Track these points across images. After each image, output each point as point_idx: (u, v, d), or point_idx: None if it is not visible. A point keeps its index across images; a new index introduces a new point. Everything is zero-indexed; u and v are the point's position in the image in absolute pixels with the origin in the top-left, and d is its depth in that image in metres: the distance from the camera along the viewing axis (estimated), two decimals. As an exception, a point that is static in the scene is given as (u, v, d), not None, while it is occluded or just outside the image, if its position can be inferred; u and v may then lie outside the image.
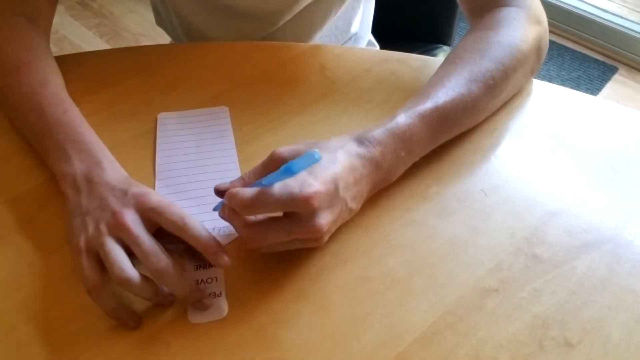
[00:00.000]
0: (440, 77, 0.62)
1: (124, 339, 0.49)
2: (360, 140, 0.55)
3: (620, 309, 0.51)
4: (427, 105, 0.58)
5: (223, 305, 0.51)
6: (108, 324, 0.50)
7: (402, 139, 0.56)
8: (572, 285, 0.52)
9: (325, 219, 0.50)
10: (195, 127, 0.68)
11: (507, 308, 0.51)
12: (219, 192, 0.56)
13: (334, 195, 0.51)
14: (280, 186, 0.49)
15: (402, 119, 0.57)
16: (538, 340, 0.49)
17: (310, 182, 0.49)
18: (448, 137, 0.62)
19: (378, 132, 0.56)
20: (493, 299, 0.51)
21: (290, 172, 0.47)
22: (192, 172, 0.62)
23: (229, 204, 0.51)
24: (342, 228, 0.56)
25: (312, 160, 0.46)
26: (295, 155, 0.52)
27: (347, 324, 0.50)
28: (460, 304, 0.51)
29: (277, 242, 0.51)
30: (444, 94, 0.59)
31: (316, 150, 0.46)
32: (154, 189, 0.61)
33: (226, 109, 0.70)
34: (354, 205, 0.54)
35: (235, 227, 0.52)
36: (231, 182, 0.55)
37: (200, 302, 0.51)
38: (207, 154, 0.64)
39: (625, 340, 0.49)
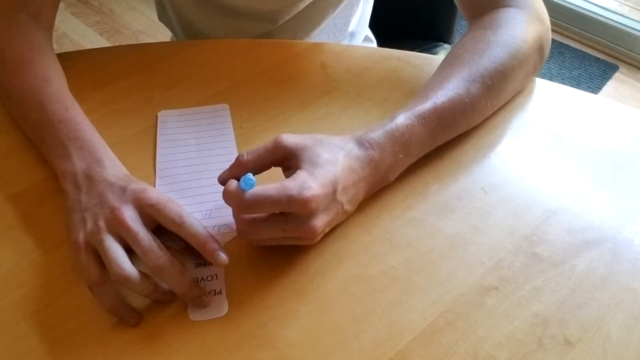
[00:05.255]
0: (440, 79, 0.62)
1: (123, 336, 0.49)
2: (360, 142, 0.55)
3: (620, 307, 0.51)
4: (426, 106, 0.59)
5: (223, 303, 0.51)
6: (108, 321, 0.50)
7: (401, 141, 0.57)
8: (571, 284, 0.52)
9: (320, 221, 0.51)
10: (195, 124, 0.68)
11: (506, 306, 0.51)
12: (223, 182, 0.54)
13: (331, 198, 0.51)
14: (279, 188, 0.49)
15: (402, 120, 0.57)
16: (537, 339, 0.49)
17: (309, 184, 0.49)
18: (446, 139, 0.62)
19: (377, 134, 0.56)
20: (493, 297, 0.51)
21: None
22: (193, 170, 0.62)
23: (227, 202, 0.51)
24: (342, 226, 0.56)
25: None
26: (298, 150, 0.53)
27: (346, 322, 0.50)
28: (459, 302, 0.51)
29: (270, 238, 0.52)
30: (442, 95, 0.59)
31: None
32: (155, 186, 0.61)
33: (226, 106, 0.70)
34: (349, 207, 0.55)
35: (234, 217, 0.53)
36: (230, 168, 0.54)
37: (200, 300, 0.51)
38: (208, 151, 0.64)
39: (624, 338, 0.49)
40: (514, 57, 0.64)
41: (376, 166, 0.55)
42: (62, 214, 0.56)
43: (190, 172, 0.62)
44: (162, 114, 0.69)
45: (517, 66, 0.64)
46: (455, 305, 0.51)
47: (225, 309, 0.51)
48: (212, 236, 0.51)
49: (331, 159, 0.52)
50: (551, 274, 0.53)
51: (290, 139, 0.54)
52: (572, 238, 0.56)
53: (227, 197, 0.51)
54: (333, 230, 0.56)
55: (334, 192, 0.51)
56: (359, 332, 0.49)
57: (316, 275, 0.53)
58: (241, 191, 0.49)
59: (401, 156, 0.57)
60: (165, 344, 0.49)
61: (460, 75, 0.61)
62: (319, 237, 0.53)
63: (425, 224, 0.57)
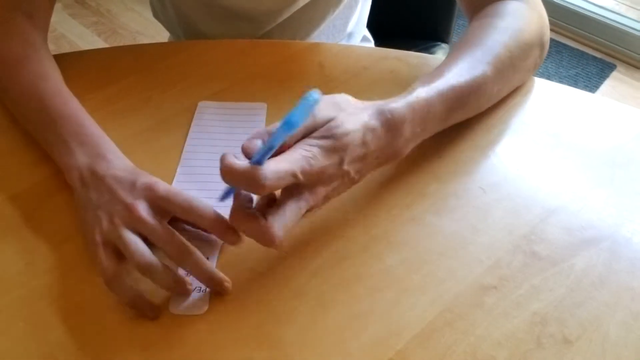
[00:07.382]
0: (453, 59, 0.62)
1: (123, 336, 0.49)
2: (381, 112, 0.53)
3: (619, 306, 0.51)
4: (445, 83, 0.58)
5: (204, 300, 0.51)
6: (108, 321, 0.50)
7: (420, 114, 0.55)
8: (570, 283, 0.52)
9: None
10: (230, 119, 0.68)
11: (505, 305, 0.51)
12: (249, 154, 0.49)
13: (337, 167, 0.50)
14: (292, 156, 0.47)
15: (422, 93, 0.56)
16: (536, 338, 0.49)
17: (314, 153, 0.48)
18: (458, 119, 0.62)
19: (399, 105, 0.54)
20: (491, 296, 0.52)
21: (292, 126, 0.42)
22: (215, 164, 0.62)
23: (235, 183, 0.48)
24: (340, 225, 0.57)
25: (311, 105, 0.42)
26: (325, 122, 0.50)
27: (345, 322, 0.50)
28: (458, 301, 0.51)
29: (295, 219, 0.49)
30: (457, 74, 0.59)
31: (311, 92, 0.42)
32: (176, 173, 0.61)
33: (264, 105, 0.69)
34: (357, 177, 0.53)
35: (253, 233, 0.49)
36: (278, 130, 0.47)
37: (185, 290, 0.51)
38: (236, 148, 0.64)
39: (623, 337, 0.49)
40: (519, 47, 0.65)
41: (393, 137, 0.53)
42: (62, 214, 0.56)
43: (212, 166, 0.62)
44: (202, 105, 0.69)
45: (522, 55, 0.65)
46: (454, 305, 0.51)
47: (204, 307, 0.51)
48: (222, 217, 0.51)
49: (353, 120, 0.51)
50: (550, 272, 0.53)
51: (321, 109, 0.50)
52: (571, 237, 0.56)
53: (236, 177, 0.47)
54: (332, 229, 0.56)
55: (341, 161, 0.50)
56: (357, 332, 0.49)
57: (315, 275, 0.53)
58: (256, 168, 0.45)
59: (418, 130, 0.56)
60: (165, 343, 0.49)
61: (474, 56, 0.62)
62: (322, 196, 0.51)
63: (424, 223, 0.57)
